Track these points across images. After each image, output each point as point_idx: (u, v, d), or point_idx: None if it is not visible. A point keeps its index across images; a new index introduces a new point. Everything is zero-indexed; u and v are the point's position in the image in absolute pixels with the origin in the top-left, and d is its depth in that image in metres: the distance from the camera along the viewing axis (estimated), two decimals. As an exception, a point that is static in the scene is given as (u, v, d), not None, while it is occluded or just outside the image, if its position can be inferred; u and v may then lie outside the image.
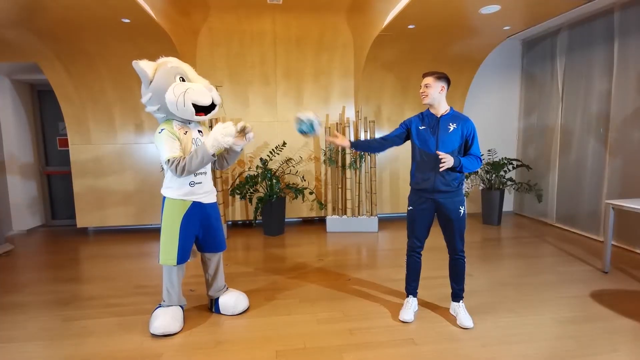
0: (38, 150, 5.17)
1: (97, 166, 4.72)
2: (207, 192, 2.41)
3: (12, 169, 4.87)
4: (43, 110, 5.20)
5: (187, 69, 2.37)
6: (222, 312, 2.54)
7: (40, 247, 4.30)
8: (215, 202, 2.51)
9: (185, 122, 2.34)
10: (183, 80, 2.29)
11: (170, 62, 2.32)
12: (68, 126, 4.61)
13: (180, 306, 2.43)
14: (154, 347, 2.16)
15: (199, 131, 2.42)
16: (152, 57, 4.45)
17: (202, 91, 2.24)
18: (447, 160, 2.15)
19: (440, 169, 2.18)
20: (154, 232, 4.85)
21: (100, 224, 4.83)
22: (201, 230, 2.44)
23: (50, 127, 5.22)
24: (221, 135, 2.17)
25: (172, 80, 2.24)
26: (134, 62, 2.22)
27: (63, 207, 5.35)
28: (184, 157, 2.22)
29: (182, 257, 2.34)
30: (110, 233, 4.90)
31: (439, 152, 2.19)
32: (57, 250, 4.16)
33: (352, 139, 2.47)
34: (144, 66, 2.22)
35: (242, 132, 2.33)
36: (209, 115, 2.35)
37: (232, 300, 2.54)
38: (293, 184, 4.82)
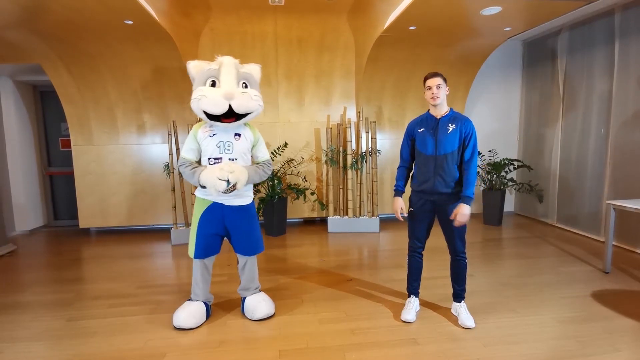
0: (40, 151, 5.19)
1: (100, 167, 4.75)
2: (230, 195, 2.38)
3: (15, 169, 4.89)
4: (45, 111, 5.22)
5: (228, 70, 2.25)
6: (245, 314, 2.52)
7: (42, 248, 4.31)
8: (246, 206, 2.45)
9: (215, 125, 2.31)
10: (213, 84, 2.26)
11: (212, 64, 2.28)
12: (70, 127, 4.64)
13: (205, 303, 2.46)
14: (158, 346, 2.18)
15: (237, 134, 2.36)
16: (154, 59, 4.47)
17: (215, 100, 2.18)
18: (463, 215, 2.21)
19: (458, 224, 2.24)
20: (156, 233, 4.87)
21: (103, 225, 4.85)
22: (226, 231, 2.45)
23: (53, 128, 5.24)
24: (212, 185, 2.21)
25: (202, 84, 2.25)
26: (187, 62, 2.33)
27: (65, 208, 5.37)
28: (192, 163, 2.33)
29: (199, 253, 2.41)
30: (112, 233, 4.92)
31: (453, 218, 2.24)
32: (59, 251, 4.18)
33: (396, 189, 2.52)
34: (190, 67, 2.31)
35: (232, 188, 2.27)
36: (243, 120, 2.31)
37: (252, 305, 2.48)
38: (294, 184, 4.83)
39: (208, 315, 2.49)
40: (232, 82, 2.25)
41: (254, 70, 2.43)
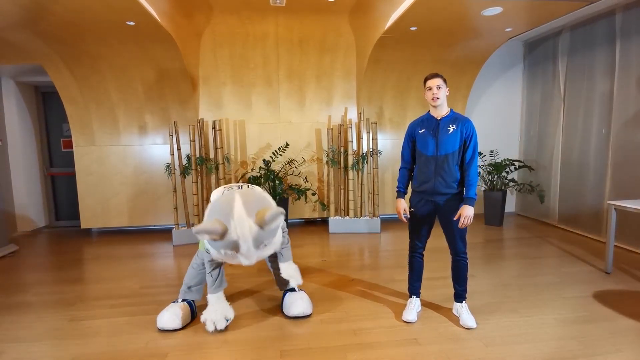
0: (42, 152, 5.21)
1: (101, 167, 4.76)
2: None
3: (17, 170, 4.90)
4: (47, 111, 5.24)
5: (246, 243, 1.96)
6: (282, 309, 2.55)
7: (44, 248, 4.32)
8: None
9: None
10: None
11: (226, 235, 1.95)
12: (72, 128, 4.65)
13: (189, 302, 2.46)
14: (160, 346, 2.18)
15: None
16: (155, 60, 4.47)
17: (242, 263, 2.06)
18: (466, 217, 2.22)
19: (462, 225, 2.24)
20: (157, 233, 4.88)
21: (104, 225, 4.85)
22: None
23: (55, 129, 5.26)
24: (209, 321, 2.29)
25: (222, 248, 2.00)
26: (193, 230, 1.89)
27: (67, 208, 5.38)
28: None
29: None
30: (113, 234, 4.92)
31: (458, 219, 2.25)
32: (61, 251, 4.19)
33: (398, 190, 2.51)
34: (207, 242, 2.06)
35: None
36: None
37: (289, 301, 2.52)
38: (296, 185, 4.84)
39: (194, 316, 2.48)
40: (253, 252, 2.01)
41: (273, 223, 2.01)
